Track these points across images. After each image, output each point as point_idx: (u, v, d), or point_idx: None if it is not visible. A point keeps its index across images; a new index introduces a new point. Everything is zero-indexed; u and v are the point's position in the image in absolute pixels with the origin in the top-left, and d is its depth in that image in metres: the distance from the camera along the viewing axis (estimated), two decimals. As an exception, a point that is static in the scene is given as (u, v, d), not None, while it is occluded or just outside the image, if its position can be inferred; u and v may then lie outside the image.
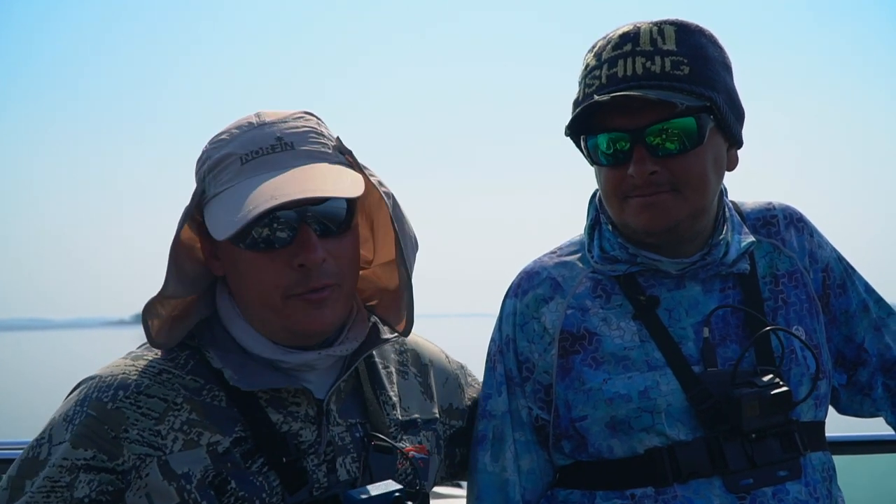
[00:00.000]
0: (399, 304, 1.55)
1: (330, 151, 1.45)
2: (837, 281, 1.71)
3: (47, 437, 1.42)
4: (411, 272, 1.51)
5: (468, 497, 1.70)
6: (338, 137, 1.49)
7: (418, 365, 1.71)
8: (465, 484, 1.79)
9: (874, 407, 1.75)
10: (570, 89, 1.65)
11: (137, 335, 1.60)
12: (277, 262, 1.39)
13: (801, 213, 1.73)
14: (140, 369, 1.45)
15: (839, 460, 1.74)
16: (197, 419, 1.41)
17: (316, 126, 1.47)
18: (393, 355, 1.67)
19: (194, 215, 1.45)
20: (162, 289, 1.42)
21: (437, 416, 1.69)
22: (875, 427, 2.06)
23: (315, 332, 1.46)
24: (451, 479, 1.80)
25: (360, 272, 1.58)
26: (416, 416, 1.63)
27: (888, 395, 1.73)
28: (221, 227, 1.37)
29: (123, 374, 1.44)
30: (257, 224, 1.37)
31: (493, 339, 1.73)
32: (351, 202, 1.45)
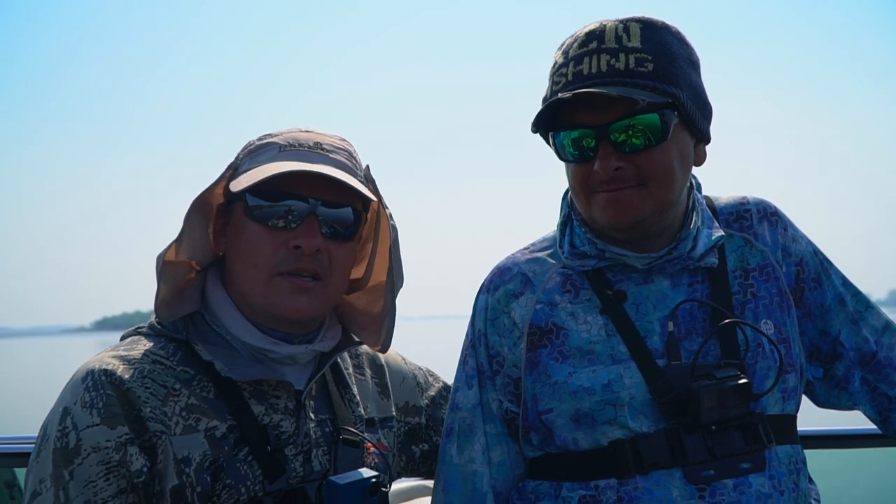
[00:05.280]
0: (379, 327, 1.78)
1: (358, 172, 1.71)
2: (812, 274, 1.82)
3: (70, 425, 1.52)
4: (395, 298, 1.75)
5: (435, 487, 1.83)
6: (367, 166, 1.76)
7: (374, 366, 1.93)
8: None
9: (851, 401, 1.84)
10: (534, 85, 1.72)
11: (99, 342, 1.70)
12: (277, 240, 1.63)
13: (775, 207, 1.84)
14: (137, 358, 1.61)
15: (820, 455, 1.79)
16: (196, 404, 1.59)
17: (352, 150, 1.75)
18: (349, 359, 1.89)
19: (212, 195, 1.69)
20: (177, 239, 1.64)
21: (394, 414, 1.90)
22: (856, 421, 2.15)
23: (290, 319, 1.65)
24: (410, 475, 1.98)
25: (346, 295, 1.82)
26: (374, 415, 1.84)
27: (866, 388, 1.83)
28: (243, 183, 1.62)
29: (123, 362, 1.59)
30: (276, 200, 1.63)
31: (466, 335, 1.86)
32: (358, 216, 1.70)
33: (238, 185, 1.63)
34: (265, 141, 1.69)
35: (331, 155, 1.67)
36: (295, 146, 1.66)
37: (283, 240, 1.62)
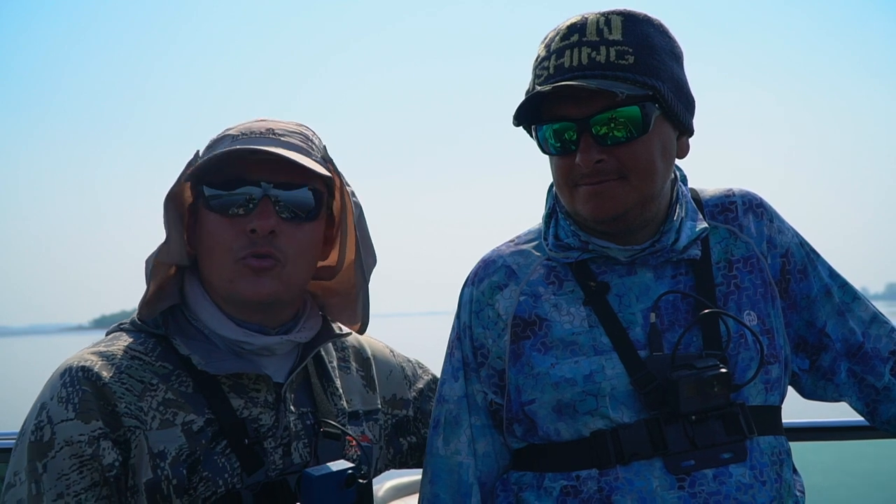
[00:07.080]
0: (354, 306, 1.81)
1: (313, 152, 1.74)
2: (798, 266, 1.84)
3: (46, 420, 1.56)
4: (368, 276, 1.78)
5: (422, 479, 1.86)
6: (324, 147, 1.78)
7: (360, 360, 1.96)
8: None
9: (837, 392, 1.86)
10: (521, 81, 1.67)
11: (97, 341, 1.76)
12: (236, 228, 1.67)
13: (760, 199, 1.86)
14: (115, 354, 1.65)
15: (807, 447, 1.80)
16: (173, 398, 1.63)
17: (306, 132, 1.78)
18: (334, 352, 1.91)
19: (184, 195, 1.75)
20: (165, 241, 1.69)
21: (380, 406, 1.93)
22: (843, 413, 2.17)
23: (252, 301, 1.69)
24: (398, 467, 2.01)
25: (324, 282, 1.85)
26: (359, 408, 1.87)
27: (853, 380, 1.84)
28: (197, 170, 1.67)
29: (101, 358, 1.63)
30: (231, 189, 1.67)
31: (452, 327, 1.90)
32: (318, 197, 1.72)
33: (194, 173, 1.68)
34: (221, 134, 1.74)
35: (282, 138, 1.71)
36: (248, 134, 1.70)
37: (240, 227, 1.67)
